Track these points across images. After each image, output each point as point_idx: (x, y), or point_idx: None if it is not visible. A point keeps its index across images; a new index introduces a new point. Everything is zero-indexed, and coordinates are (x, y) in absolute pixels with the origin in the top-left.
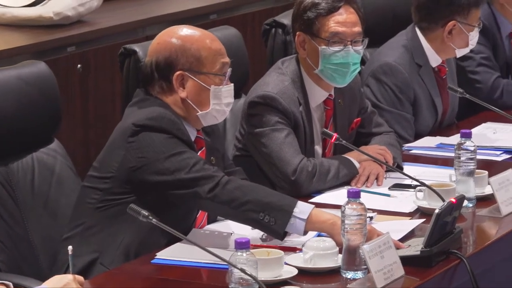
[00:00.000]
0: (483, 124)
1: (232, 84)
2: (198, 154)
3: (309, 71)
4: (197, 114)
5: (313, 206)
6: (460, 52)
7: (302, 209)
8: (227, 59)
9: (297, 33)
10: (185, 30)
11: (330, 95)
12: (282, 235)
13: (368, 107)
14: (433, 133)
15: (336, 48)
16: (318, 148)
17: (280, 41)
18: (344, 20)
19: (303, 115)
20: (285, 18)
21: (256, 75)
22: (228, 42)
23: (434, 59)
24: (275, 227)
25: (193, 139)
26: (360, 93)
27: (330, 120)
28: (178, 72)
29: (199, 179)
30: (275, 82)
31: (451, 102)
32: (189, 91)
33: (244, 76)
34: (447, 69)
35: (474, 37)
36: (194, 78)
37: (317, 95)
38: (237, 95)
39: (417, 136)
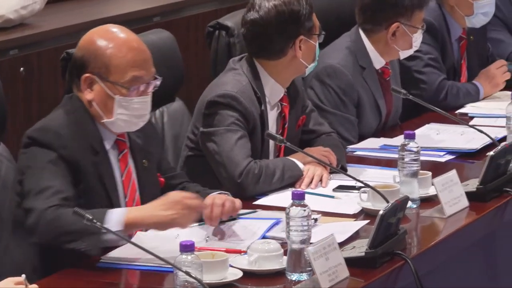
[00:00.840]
0: (427, 125)
1: (149, 96)
2: (120, 156)
3: (279, 70)
4: (102, 121)
5: (126, 211)
6: (403, 54)
7: (113, 223)
8: (141, 72)
9: (299, 38)
10: (110, 34)
11: (285, 91)
12: (101, 252)
13: (309, 105)
14: (376, 134)
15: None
16: (272, 145)
17: (223, 43)
18: None
19: (264, 114)
20: (229, 20)
21: (201, 78)
22: (162, 45)
23: (378, 61)
24: (92, 251)
25: (111, 142)
26: (302, 90)
27: (288, 116)
28: (87, 74)
29: (30, 210)
30: (233, 81)
31: (394, 103)
32: (95, 96)
33: (179, 80)
34: (390, 71)
35: (417, 39)
36: (101, 84)
37: (277, 92)
38: (171, 99)
39: (361, 138)
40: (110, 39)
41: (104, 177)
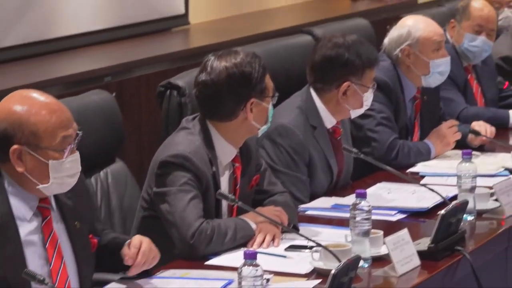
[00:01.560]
0: (378, 184)
1: (77, 153)
2: (43, 224)
3: (231, 131)
4: (38, 187)
5: None
6: (354, 113)
7: None
8: (69, 131)
9: (251, 100)
10: (27, 100)
11: (238, 152)
12: None
13: (262, 165)
14: (328, 193)
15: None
16: (225, 204)
17: (175, 102)
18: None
19: (216, 174)
20: (180, 80)
21: (152, 137)
22: (103, 106)
23: (329, 121)
24: None
25: (30, 212)
26: (256, 150)
27: (241, 176)
28: (15, 147)
29: None
30: (185, 141)
31: (346, 162)
32: (28, 166)
33: (118, 140)
34: (341, 130)
35: (368, 98)
36: (32, 153)
37: (229, 153)
38: (111, 160)
39: (313, 197)
40: (29, 105)
41: (10, 251)
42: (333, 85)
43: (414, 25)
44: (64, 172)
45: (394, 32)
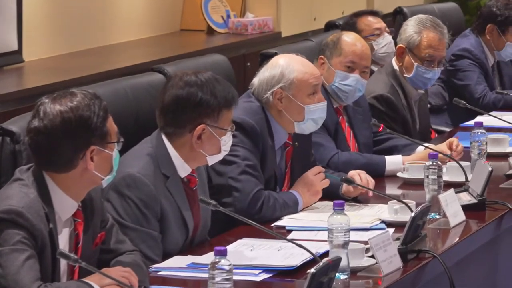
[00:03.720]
0: (239, 241)
1: None
2: None
3: (69, 183)
4: None
5: None
6: (211, 159)
7: None
8: None
9: (91, 148)
10: None
11: (79, 205)
12: None
13: (109, 220)
14: (183, 251)
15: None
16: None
17: (8, 150)
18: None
19: (53, 232)
20: (14, 125)
21: None
22: None
23: (183, 169)
24: None
25: None
26: (101, 204)
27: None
28: None
29: None
30: (19, 195)
31: (203, 216)
32: None
33: None
34: (197, 179)
35: (227, 142)
36: None
37: (68, 207)
38: None
39: (166, 256)
40: None
41: None
42: (186, 129)
43: (288, 66)
44: None
45: (265, 72)
